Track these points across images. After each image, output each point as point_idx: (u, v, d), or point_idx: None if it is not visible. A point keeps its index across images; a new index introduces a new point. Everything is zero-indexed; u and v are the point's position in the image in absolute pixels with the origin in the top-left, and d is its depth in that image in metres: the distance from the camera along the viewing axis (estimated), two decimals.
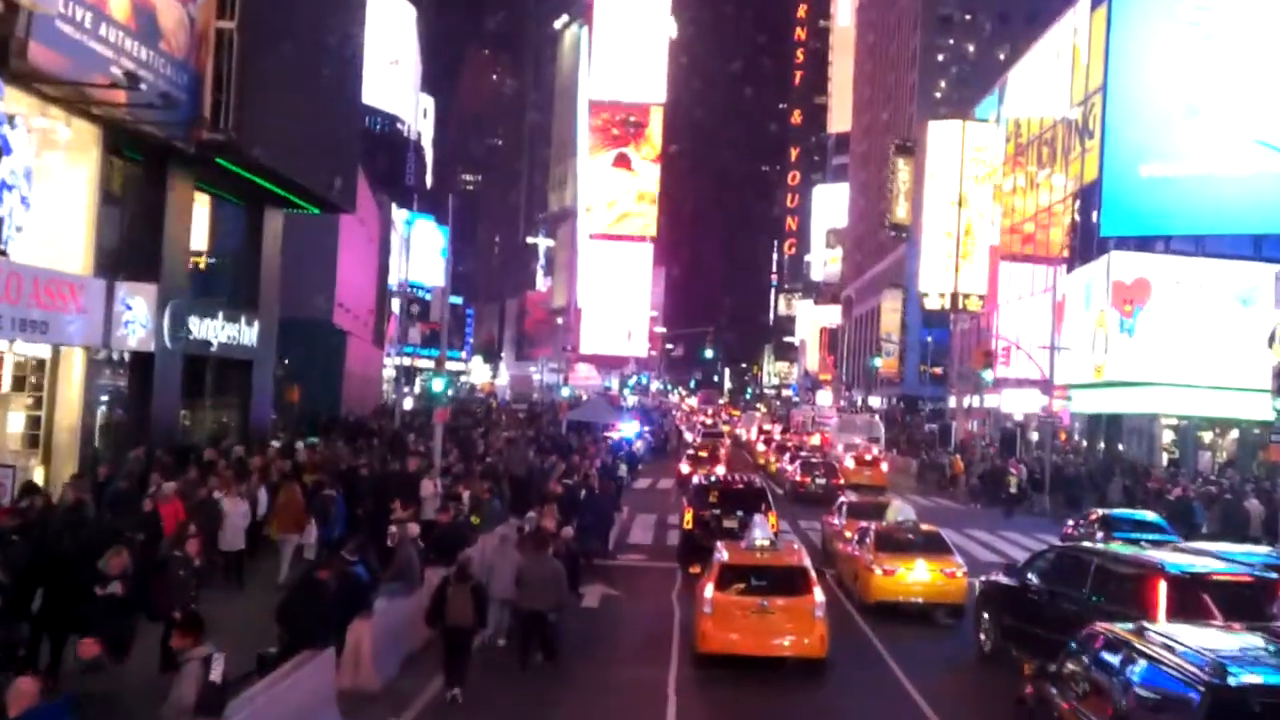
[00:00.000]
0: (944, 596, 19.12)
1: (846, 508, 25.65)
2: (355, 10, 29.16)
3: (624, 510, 29.67)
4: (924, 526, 21.51)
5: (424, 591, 14.40)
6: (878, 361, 75.96)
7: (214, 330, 24.06)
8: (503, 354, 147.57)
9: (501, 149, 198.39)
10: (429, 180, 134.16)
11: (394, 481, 20.47)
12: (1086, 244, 49.12)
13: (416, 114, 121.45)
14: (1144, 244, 45.47)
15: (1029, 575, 15.53)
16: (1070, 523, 28.37)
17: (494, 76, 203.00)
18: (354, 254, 49.25)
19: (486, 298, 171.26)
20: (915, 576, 19.14)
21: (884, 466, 46.75)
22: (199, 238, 24.71)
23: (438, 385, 23.90)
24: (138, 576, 11.51)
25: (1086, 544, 17.33)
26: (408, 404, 37.60)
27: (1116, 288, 43.22)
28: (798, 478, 40.36)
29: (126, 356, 21.72)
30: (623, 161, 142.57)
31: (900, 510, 22.45)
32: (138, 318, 20.06)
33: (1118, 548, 15.19)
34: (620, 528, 28.04)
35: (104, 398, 21.62)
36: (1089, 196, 51.32)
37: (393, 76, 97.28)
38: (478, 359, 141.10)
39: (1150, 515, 26.73)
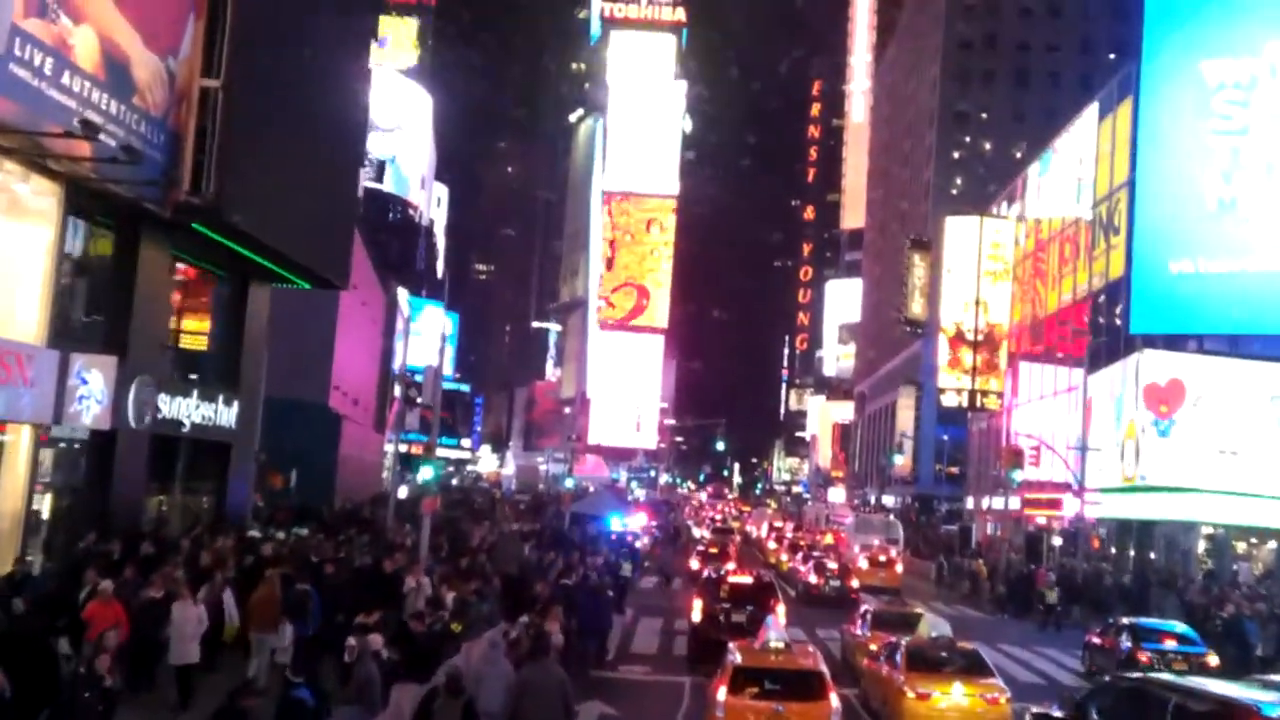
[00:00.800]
0: None
1: (871, 617, 23.51)
2: (357, 81, 27.83)
3: (627, 613, 27.46)
4: (961, 644, 19.43)
5: (388, 715, 12.37)
6: (896, 458, 73.91)
7: (187, 409, 22.25)
8: (510, 443, 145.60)
9: (515, 239, 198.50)
10: (440, 267, 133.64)
11: (364, 581, 18.38)
12: (1112, 343, 47.37)
13: (430, 201, 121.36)
14: (1173, 342, 43.65)
15: (1090, 710, 13.43)
16: (1095, 631, 26.32)
17: (509, 169, 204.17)
18: (354, 336, 47.66)
19: (496, 387, 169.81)
20: (953, 701, 16.96)
21: (899, 568, 44.73)
22: (175, 309, 23.05)
23: (426, 473, 21.99)
24: (24, 701, 9.49)
25: (1163, 676, 15.21)
26: (402, 492, 35.69)
27: (1149, 389, 41.27)
28: (811, 579, 38.47)
29: (85, 436, 19.87)
30: (635, 252, 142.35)
31: (934, 624, 20.33)
32: (94, 393, 18.25)
33: (1199, 682, 13.10)
34: (621, 631, 25.84)
35: (58, 481, 19.77)
36: (1115, 294, 49.73)
37: (406, 163, 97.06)
38: (486, 448, 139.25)
39: (1180, 626, 24.96)
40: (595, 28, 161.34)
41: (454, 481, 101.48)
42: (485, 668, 14.28)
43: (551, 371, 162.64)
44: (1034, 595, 36.50)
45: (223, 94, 20.24)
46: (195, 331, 24.33)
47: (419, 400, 23.15)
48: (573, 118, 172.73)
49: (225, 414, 23.89)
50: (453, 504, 57.38)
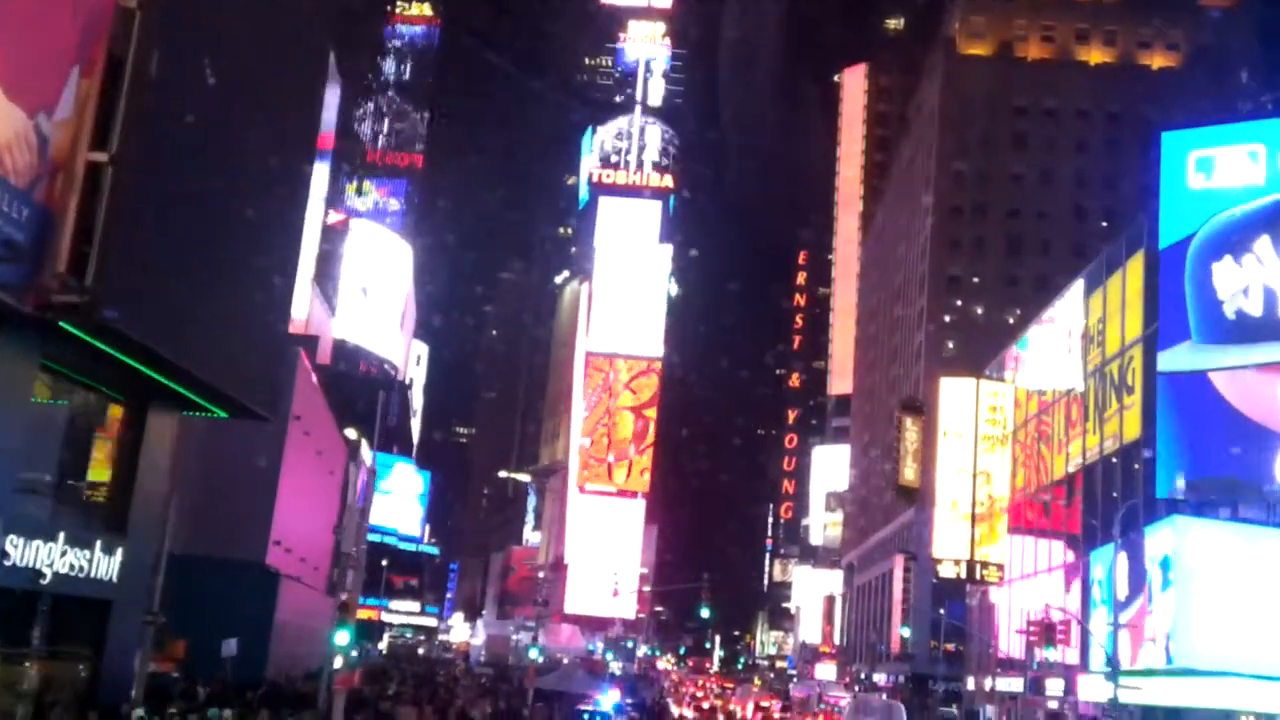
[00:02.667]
0: None
1: None
2: (295, 191, 24.50)
3: None
4: None
5: None
6: (904, 631, 68.92)
7: (48, 556, 18.03)
8: (484, 612, 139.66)
9: (495, 401, 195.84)
10: (417, 426, 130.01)
11: None
12: (1131, 511, 43.56)
13: (408, 359, 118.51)
14: (1202, 509, 39.77)
15: None
16: None
17: (494, 332, 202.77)
18: (306, 488, 43.42)
19: (473, 552, 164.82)
20: None
21: None
22: (46, 434, 19.05)
23: (341, 638, 17.47)
24: None
25: None
26: (337, 662, 31.06)
27: (1179, 558, 37.22)
28: None
29: None
30: (617, 416, 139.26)
31: None
32: None
33: None
34: None
35: None
36: (1130, 458, 46.16)
37: (380, 316, 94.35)
38: (458, 616, 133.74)
39: None
40: (583, 193, 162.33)
41: (420, 651, 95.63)
42: None
43: (530, 537, 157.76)
44: None
45: (113, 170, 16.75)
46: (74, 464, 20.10)
47: (344, 551, 19.10)
48: (558, 280, 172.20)
49: (104, 564, 19.63)
50: (409, 678, 52.32)
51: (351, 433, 43.31)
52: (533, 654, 46.02)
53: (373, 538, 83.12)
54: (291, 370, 36.84)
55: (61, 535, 18.34)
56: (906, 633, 65.77)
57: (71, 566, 18.67)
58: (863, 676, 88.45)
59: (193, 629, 33.44)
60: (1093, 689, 41.94)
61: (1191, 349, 39.19)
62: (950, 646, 74.35)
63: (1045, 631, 36.85)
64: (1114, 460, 47.74)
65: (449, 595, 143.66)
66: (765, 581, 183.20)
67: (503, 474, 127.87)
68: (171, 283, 18.54)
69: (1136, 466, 45.06)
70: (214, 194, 19.85)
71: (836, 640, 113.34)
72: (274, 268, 22.94)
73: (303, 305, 56.65)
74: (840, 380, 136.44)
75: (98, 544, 19.50)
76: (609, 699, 46.83)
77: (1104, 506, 48.14)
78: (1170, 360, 39.94)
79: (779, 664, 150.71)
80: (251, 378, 22.25)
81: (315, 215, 67.90)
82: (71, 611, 19.71)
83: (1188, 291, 39.22)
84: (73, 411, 19.82)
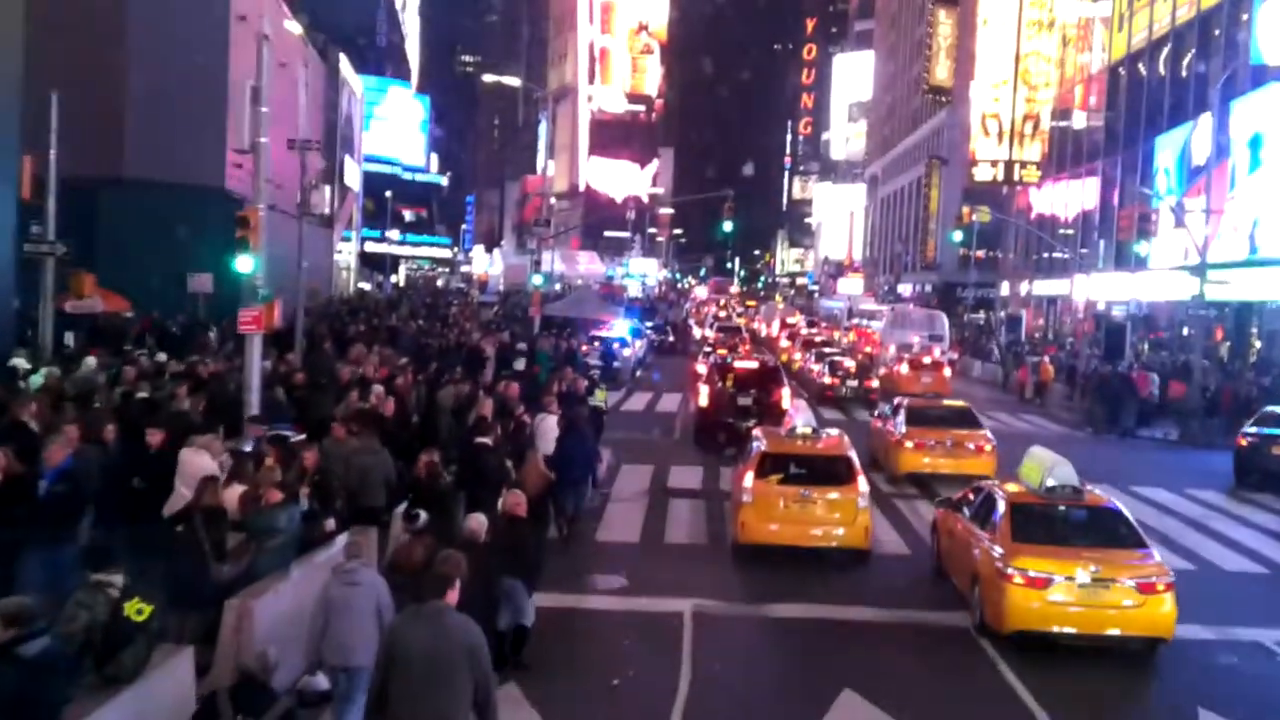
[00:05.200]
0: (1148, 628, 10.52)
1: (906, 413, 20.31)
2: None
3: (602, 458, 19.04)
4: (1094, 494, 12.16)
5: None
6: (955, 236, 64.73)
7: None
8: (502, 242, 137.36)
9: (498, 25, 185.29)
10: (415, 51, 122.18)
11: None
12: (1200, 86, 38.10)
13: None
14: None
15: None
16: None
17: None
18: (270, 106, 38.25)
19: (487, 184, 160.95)
20: (1096, 593, 10.34)
21: (947, 372, 36.89)
22: None
23: (243, 264, 13.42)
24: None
25: None
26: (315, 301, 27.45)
27: (1274, 133, 32.21)
28: (825, 379, 33.79)
29: None
30: (625, 31, 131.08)
31: (1049, 466, 11.81)
32: None
33: None
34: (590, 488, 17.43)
35: None
36: (1209, 25, 40.19)
37: None
38: (479, 249, 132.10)
39: None
40: None
41: (439, 283, 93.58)
42: (336, 609, 8.06)
43: (544, 163, 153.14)
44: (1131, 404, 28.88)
45: None
46: None
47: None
48: None
49: None
50: (419, 309, 49.45)
51: (295, 26, 36.92)
52: (536, 280, 41.92)
53: (373, 168, 78.53)
54: None
55: None
56: (958, 236, 61.37)
57: None
58: (887, 289, 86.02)
59: (148, 264, 29.94)
60: (1152, 286, 38.29)
61: None
62: (981, 254, 70.47)
63: (1138, 223, 32.44)
64: (1189, 30, 41.82)
65: (466, 228, 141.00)
66: (784, 200, 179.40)
67: (488, 78, 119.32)
68: None
69: (1216, 33, 39.23)
70: None
71: (858, 255, 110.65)
72: None
73: None
74: None
75: None
76: (625, 324, 43.68)
77: (1172, 85, 42.75)
78: None
79: (799, 281, 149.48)
80: None
81: None
82: None
83: None
84: None
